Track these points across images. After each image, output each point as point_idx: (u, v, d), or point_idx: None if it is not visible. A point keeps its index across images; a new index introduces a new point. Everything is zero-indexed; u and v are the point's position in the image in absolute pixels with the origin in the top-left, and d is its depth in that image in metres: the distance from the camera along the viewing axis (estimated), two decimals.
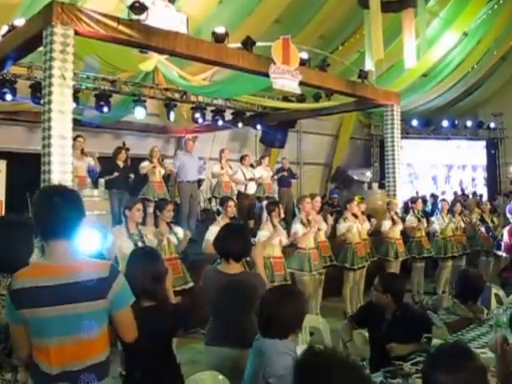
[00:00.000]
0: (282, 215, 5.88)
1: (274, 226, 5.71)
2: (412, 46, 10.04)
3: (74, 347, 1.98)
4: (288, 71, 7.60)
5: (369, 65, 9.76)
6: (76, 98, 8.92)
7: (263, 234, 5.62)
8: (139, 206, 4.84)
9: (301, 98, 10.59)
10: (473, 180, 16.89)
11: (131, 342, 2.23)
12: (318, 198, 6.72)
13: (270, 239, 5.52)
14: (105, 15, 6.08)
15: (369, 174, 15.63)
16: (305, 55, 8.00)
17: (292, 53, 7.67)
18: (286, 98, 11.06)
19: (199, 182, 10.01)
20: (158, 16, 6.80)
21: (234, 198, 8.51)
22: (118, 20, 6.15)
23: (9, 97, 8.45)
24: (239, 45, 7.42)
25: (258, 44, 7.61)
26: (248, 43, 7.40)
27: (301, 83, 7.82)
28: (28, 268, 2.06)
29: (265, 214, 6.16)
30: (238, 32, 8.20)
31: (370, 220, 7.38)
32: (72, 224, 2.07)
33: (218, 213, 5.66)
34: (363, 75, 9.09)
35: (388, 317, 3.43)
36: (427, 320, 3.39)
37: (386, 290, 3.39)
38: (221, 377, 2.79)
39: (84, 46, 7.28)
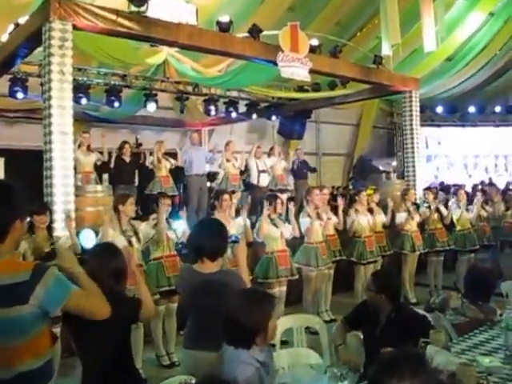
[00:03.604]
0: (280, 211, 5.65)
1: (272, 220, 5.50)
2: (431, 29, 9.57)
3: None
4: (297, 59, 7.36)
5: (386, 50, 9.36)
6: (87, 94, 8.97)
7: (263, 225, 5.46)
8: (132, 200, 4.71)
9: (316, 87, 10.30)
10: (495, 166, 16.30)
11: (103, 318, 2.11)
12: (326, 190, 6.47)
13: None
14: (103, 8, 5.96)
15: (395, 163, 15.28)
16: (315, 42, 7.75)
17: (301, 40, 7.42)
18: (301, 88, 10.77)
19: (213, 174, 9.89)
20: (164, 8, 6.64)
21: (239, 192, 8.42)
22: (116, 12, 6.03)
23: (20, 95, 8.47)
24: (246, 34, 7.21)
25: (266, 32, 7.37)
26: (254, 31, 7.18)
27: (311, 71, 7.57)
28: None
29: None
30: (250, 22, 7.94)
31: (386, 212, 7.05)
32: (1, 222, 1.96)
33: (213, 207, 5.50)
34: (378, 60, 8.75)
35: (382, 319, 3.17)
36: (425, 322, 3.10)
37: (379, 290, 3.13)
38: (194, 381, 2.62)
39: (90, 42, 7.23)
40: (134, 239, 4.67)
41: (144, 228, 4.88)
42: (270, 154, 9.35)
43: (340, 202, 6.46)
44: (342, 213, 6.39)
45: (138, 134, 11.52)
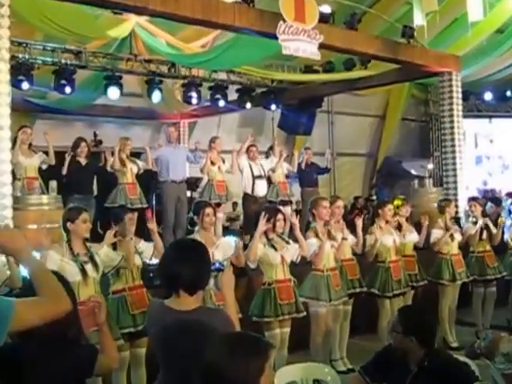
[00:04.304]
0: (280, 229, 5.65)
1: (269, 240, 5.51)
2: None
3: None
4: (303, 31, 7.42)
5: (418, 19, 9.43)
6: (30, 77, 9.00)
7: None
8: (86, 215, 4.71)
9: (328, 68, 10.38)
10: None
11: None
12: (340, 203, 6.45)
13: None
14: None
15: (431, 166, 15.39)
16: (327, 9, 7.82)
17: (308, 6, 7.49)
18: (309, 69, 10.85)
19: (195, 181, 9.91)
20: None
21: (230, 203, 8.43)
22: None
23: None
24: None
25: None
26: None
27: (322, 46, 7.64)
28: None
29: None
30: None
31: (419, 230, 7.08)
32: None
33: (192, 223, 5.48)
34: (408, 33, 8.83)
35: (413, 368, 3.20)
36: (467, 372, 3.13)
37: (408, 332, 3.15)
38: None
39: (34, 8, 7.28)
40: (89, 266, 4.64)
41: (105, 252, 4.87)
42: (268, 154, 9.37)
43: (358, 219, 6.43)
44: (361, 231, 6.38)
45: (96, 129, 11.55)
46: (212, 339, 2.41)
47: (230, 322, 2.88)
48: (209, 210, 5.32)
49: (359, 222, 6.39)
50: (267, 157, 9.36)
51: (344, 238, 6.20)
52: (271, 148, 9.43)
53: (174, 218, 8.36)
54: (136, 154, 8.58)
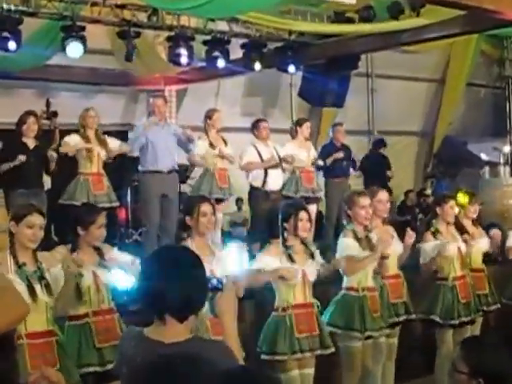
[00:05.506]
0: (304, 234, 5.66)
1: (288, 248, 5.55)
2: None
3: None
4: None
5: None
6: None
7: (263, 261, 5.50)
8: (34, 219, 4.73)
9: (366, 15, 10.37)
10: None
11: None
12: (383, 196, 6.46)
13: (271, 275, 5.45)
14: None
15: (508, 149, 15.38)
16: None
17: None
18: (341, 17, 10.84)
19: (186, 169, 9.95)
20: None
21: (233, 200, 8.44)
22: None
23: None
24: None
25: None
26: None
27: None
28: None
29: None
30: None
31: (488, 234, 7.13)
32: None
33: (184, 227, 5.49)
34: None
35: None
36: None
37: (475, 373, 3.15)
38: None
39: None
40: (38, 287, 4.68)
41: (58, 272, 4.89)
42: (293, 134, 9.48)
43: (409, 236, 6.39)
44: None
45: (50, 97, 11.57)
46: (210, 378, 2.45)
47: (232, 356, 2.92)
48: (206, 208, 5.33)
49: (409, 239, 6.40)
50: (293, 137, 9.43)
51: (383, 257, 6.15)
52: (297, 126, 9.52)
53: (158, 220, 8.39)
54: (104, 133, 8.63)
